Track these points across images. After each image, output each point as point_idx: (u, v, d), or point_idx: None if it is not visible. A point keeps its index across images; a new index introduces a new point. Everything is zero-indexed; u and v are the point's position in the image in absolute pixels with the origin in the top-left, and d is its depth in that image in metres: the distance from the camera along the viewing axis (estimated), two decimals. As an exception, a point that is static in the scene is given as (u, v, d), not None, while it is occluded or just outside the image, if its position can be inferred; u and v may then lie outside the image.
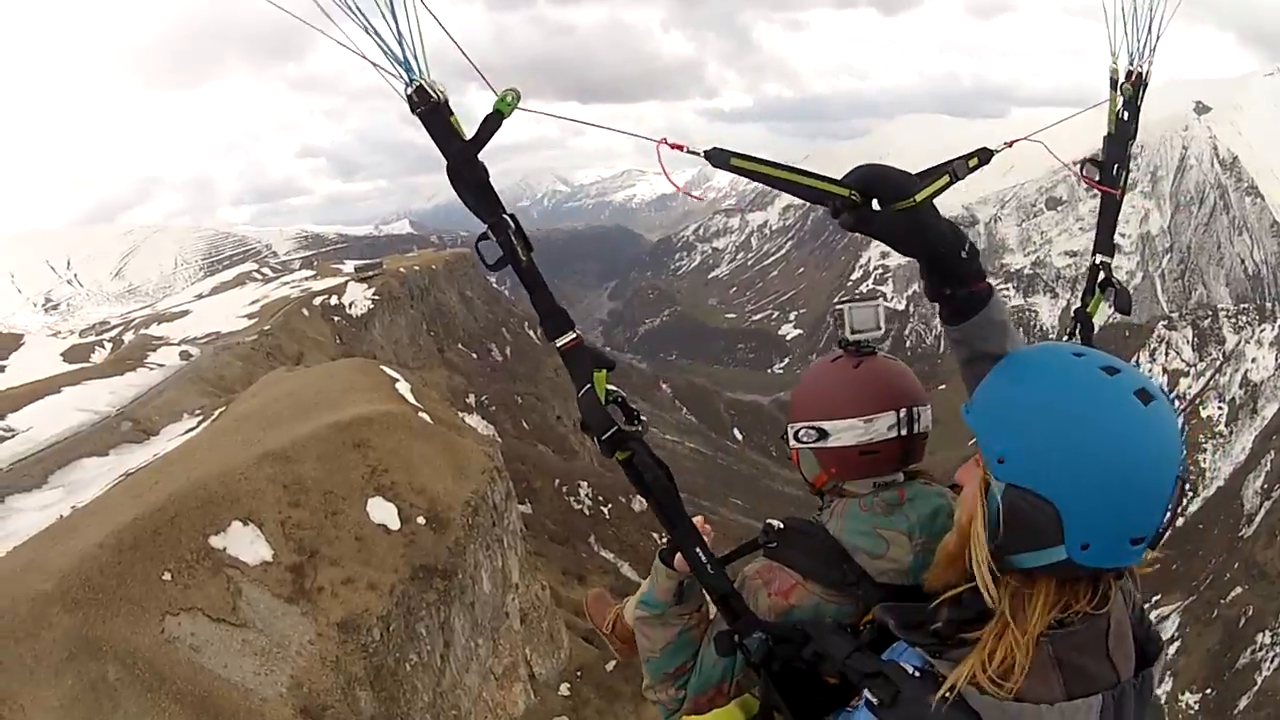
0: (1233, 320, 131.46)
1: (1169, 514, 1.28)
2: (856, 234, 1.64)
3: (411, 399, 29.95)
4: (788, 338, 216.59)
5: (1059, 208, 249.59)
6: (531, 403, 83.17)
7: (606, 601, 3.02)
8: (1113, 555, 1.29)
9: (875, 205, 1.58)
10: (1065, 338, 1.95)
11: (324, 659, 16.92)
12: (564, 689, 28.78)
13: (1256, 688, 52.02)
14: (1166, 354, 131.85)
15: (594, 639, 35.11)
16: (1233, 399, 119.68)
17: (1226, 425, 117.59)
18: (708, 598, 1.99)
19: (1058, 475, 1.27)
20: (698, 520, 1.93)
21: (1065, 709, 1.31)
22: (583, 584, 43.33)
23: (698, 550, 1.84)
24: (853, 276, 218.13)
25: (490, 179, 1.62)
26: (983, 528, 1.36)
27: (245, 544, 18.26)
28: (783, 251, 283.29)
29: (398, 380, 32.76)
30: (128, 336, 69.53)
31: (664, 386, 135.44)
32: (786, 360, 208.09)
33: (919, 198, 1.56)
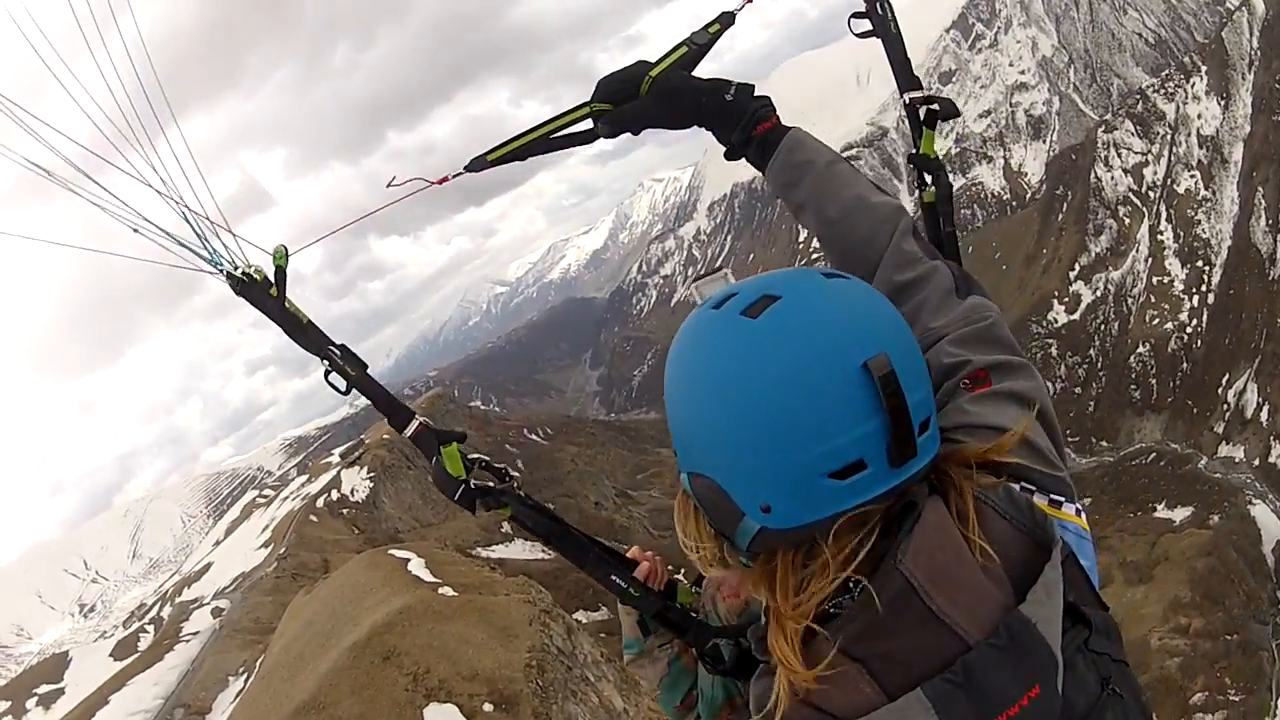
0: (1161, 91, 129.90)
1: (891, 413, 1.04)
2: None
3: (429, 576, 27.36)
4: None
5: (953, 79, 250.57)
6: (564, 503, 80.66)
7: None
8: (817, 499, 1.07)
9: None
10: (915, 189, 1.90)
11: None
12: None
13: None
14: (1119, 155, 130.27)
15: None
16: (1199, 161, 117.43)
17: (1207, 188, 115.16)
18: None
19: (699, 443, 1.15)
20: (633, 551, 1.95)
21: (890, 713, 1.00)
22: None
23: (613, 576, 1.81)
24: (802, 236, 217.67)
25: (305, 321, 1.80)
26: (696, 524, 1.24)
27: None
28: (726, 248, 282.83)
29: (409, 560, 30.24)
30: (166, 610, 67.67)
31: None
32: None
33: (654, 73, 1.65)
